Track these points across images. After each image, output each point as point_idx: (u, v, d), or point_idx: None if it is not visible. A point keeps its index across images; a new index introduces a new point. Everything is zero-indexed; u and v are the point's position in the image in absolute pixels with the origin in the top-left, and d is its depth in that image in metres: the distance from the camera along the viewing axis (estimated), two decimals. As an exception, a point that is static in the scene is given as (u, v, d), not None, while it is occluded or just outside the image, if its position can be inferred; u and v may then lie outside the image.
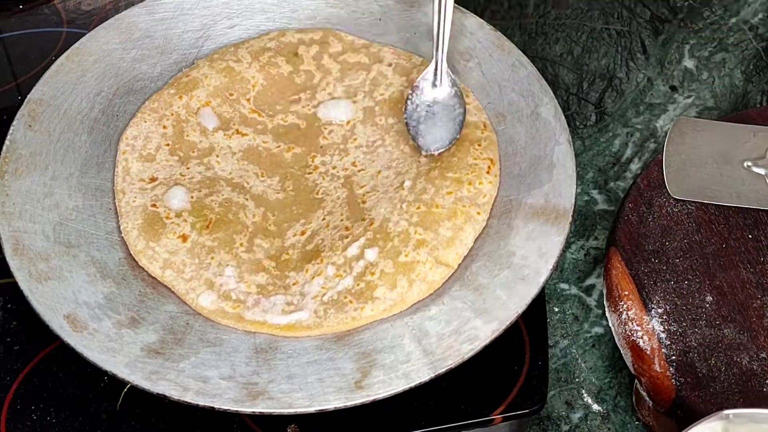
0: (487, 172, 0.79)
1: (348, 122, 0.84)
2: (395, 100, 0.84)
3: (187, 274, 0.75)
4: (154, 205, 0.78)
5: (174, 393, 0.68)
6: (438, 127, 0.81)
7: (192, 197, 0.79)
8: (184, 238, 0.77)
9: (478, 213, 0.77)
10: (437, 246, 0.75)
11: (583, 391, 0.81)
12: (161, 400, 0.69)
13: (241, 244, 0.77)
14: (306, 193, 0.81)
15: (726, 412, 0.62)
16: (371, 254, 0.75)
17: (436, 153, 0.80)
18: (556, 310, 0.85)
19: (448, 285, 0.75)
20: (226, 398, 0.68)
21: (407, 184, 0.79)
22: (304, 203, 0.80)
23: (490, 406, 0.74)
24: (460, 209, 0.77)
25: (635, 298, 0.76)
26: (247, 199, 0.79)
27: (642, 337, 0.75)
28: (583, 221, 0.90)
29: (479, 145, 0.80)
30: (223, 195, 0.79)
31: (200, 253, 0.76)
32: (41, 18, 0.98)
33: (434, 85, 0.83)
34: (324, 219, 0.79)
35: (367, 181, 0.80)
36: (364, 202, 0.79)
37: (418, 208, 0.77)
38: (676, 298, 0.76)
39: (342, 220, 0.78)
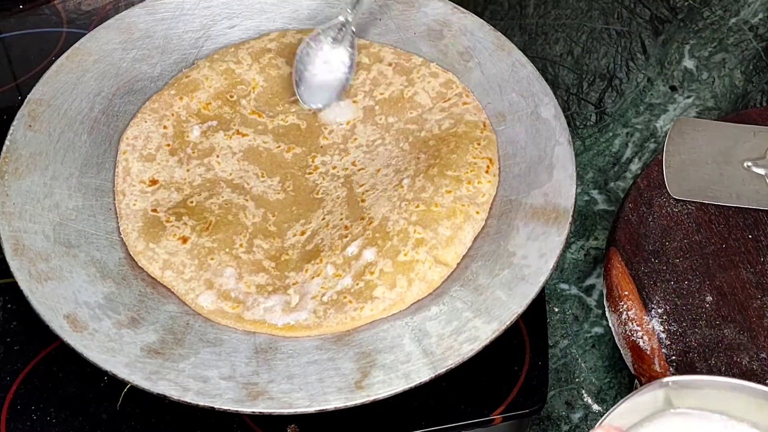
0: (486, 172, 0.79)
1: (348, 122, 0.84)
2: (395, 99, 0.84)
3: (187, 275, 0.75)
4: (154, 210, 0.78)
5: (174, 393, 0.68)
6: (321, 82, 0.84)
7: (192, 202, 0.79)
8: (184, 239, 0.77)
9: (477, 212, 0.77)
10: (436, 245, 0.75)
11: (583, 391, 0.81)
12: (161, 400, 0.69)
13: (241, 245, 0.77)
14: (306, 193, 0.81)
15: (666, 379, 0.62)
16: (370, 253, 0.75)
17: (310, 108, 0.83)
18: (556, 310, 0.85)
19: (448, 285, 0.75)
20: (226, 398, 0.68)
21: (406, 182, 0.79)
22: (304, 203, 0.80)
23: (490, 406, 0.74)
24: (459, 208, 0.77)
25: (635, 298, 0.76)
26: (247, 200, 0.79)
27: (642, 337, 0.75)
28: (583, 221, 0.90)
29: (478, 144, 0.80)
30: (223, 197, 0.79)
31: (200, 253, 0.76)
32: (41, 18, 0.98)
33: (335, 40, 0.85)
34: (324, 218, 0.79)
35: (367, 180, 0.80)
36: (363, 201, 0.79)
37: (417, 206, 0.77)
38: (676, 298, 0.76)
39: (341, 219, 0.78)
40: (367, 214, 0.78)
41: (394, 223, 0.76)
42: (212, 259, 0.76)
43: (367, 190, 0.80)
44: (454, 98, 0.83)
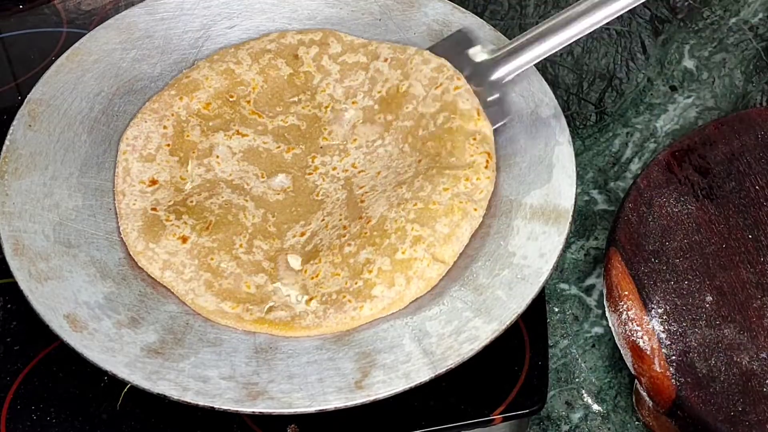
0: (486, 167, 0.79)
1: (348, 122, 0.84)
2: (392, 96, 0.84)
3: (187, 275, 0.75)
4: (154, 209, 0.78)
5: (174, 393, 0.68)
6: None
7: (192, 201, 0.79)
8: (184, 239, 0.77)
9: (475, 209, 0.77)
10: (434, 242, 0.75)
11: (583, 391, 0.81)
12: (161, 400, 0.69)
13: (241, 245, 0.77)
14: (306, 194, 0.81)
15: None
16: (368, 252, 0.75)
17: None
18: (556, 310, 0.85)
19: (448, 285, 0.75)
20: (226, 398, 0.68)
21: (405, 184, 0.79)
22: (304, 204, 0.80)
23: (490, 406, 0.74)
24: (456, 205, 0.77)
25: (635, 298, 0.76)
26: (246, 201, 0.79)
27: (642, 337, 0.75)
28: (583, 221, 0.90)
29: (474, 140, 0.80)
30: (223, 197, 0.79)
31: (200, 254, 0.76)
32: (41, 18, 0.98)
33: None
34: (323, 220, 0.79)
35: (367, 182, 0.81)
36: (362, 201, 0.79)
37: (415, 205, 0.77)
38: (676, 298, 0.76)
39: (340, 220, 0.78)
40: (366, 214, 0.78)
41: (392, 221, 0.76)
42: (212, 259, 0.76)
43: (366, 192, 0.80)
44: (445, 82, 0.83)
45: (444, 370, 0.69)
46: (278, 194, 0.81)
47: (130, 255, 0.77)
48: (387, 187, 0.79)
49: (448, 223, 0.76)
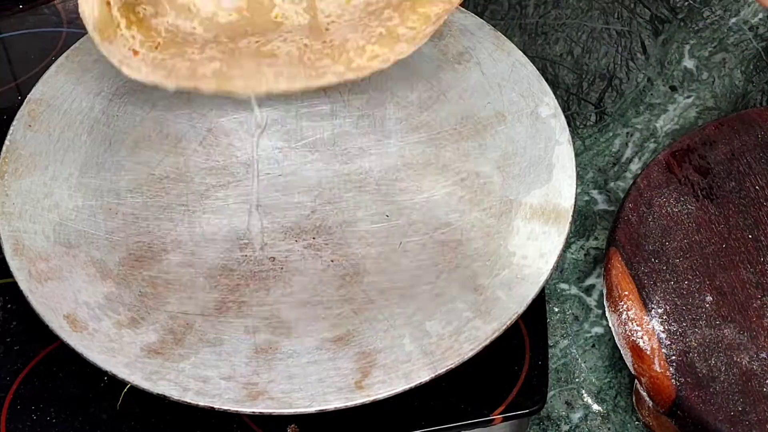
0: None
1: None
2: None
3: (143, 72, 0.71)
4: (108, 2, 0.72)
5: (174, 393, 0.68)
6: None
7: (139, 12, 0.72)
8: (135, 52, 0.72)
9: (423, 45, 0.72)
10: (389, 58, 0.72)
11: (583, 391, 0.81)
12: (161, 400, 0.69)
13: (193, 52, 0.72)
14: (262, 15, 0.74)
15: None
16: (325, 63, 0.72)
17: None
18: (556, 310, 0.85)
19: (448, 285, 0.75)
20: (226, 398, 0.69)
21: (374, 14, 0.74)
22: (259, 25, 0.74)
23: (490, 406, 0.74)
24: (417, 40, 0.72)
25: (635, 298, 0.76)
26: (194, 27, 0.73)
27: (642, 337, 0.75)
28: (583, 221, 0.90)
29: None
30: (168, 21, 0.73)
31: (153, 60, 0.71)
32: (41, 18, 0.98)
33: None
34: (281, 36, 0.74)
35: (333, 9, 0.75)
36: (327, 29, 0.74)
37: (381, 33, 0.73)
38: (676, 298, 0.76)
39: (300, 38, 0.73)
40: (329, 38, 0.73)
41: (353, 41, 0.73)
42: (165, 62, 0.71)
43: (333, 21, 0.74)
44: None
45: (444, 370, 0.69)
46: (230, 15, 0.74)
47: (130, 255, 0.76)
48: (354, 15, 0.74)
49: (406, 49, 0.72)
